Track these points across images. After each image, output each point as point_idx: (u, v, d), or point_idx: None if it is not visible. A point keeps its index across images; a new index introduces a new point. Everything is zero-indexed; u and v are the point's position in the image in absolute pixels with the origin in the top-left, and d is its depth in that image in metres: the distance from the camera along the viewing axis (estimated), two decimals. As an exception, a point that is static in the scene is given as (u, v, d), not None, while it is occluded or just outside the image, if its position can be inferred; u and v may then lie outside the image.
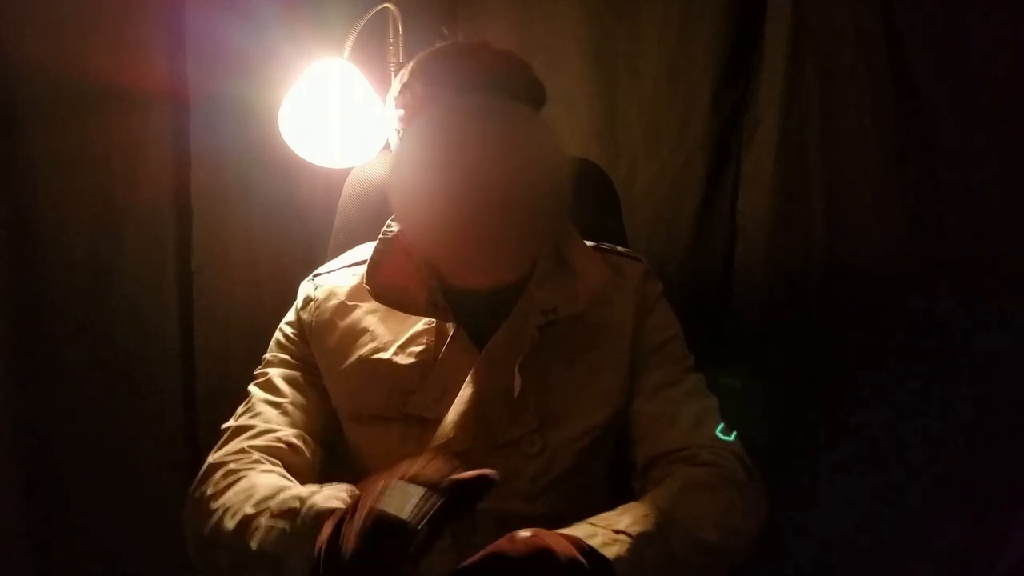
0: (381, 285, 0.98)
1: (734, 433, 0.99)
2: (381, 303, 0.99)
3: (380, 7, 1.34)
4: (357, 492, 0.79)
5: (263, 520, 0.80)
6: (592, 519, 0.82)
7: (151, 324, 1.42)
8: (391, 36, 1.38)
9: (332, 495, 0.80)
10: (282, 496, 0.82)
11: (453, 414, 0.94)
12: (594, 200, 1.22)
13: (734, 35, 1.46)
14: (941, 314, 1.26)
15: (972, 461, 1.21)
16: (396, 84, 1.00)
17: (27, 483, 1.38)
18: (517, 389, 0.93)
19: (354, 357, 0.98)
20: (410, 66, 0.99)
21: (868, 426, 1.30)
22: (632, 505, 0.85)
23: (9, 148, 1.33)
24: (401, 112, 0.98)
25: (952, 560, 1.18)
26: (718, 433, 0.98)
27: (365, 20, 1.32)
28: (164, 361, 1.43)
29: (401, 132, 0.99)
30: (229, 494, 0.86)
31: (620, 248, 1.09)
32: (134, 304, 1.41)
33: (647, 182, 1.52)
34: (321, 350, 1.01)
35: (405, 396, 0.96)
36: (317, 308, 1.02)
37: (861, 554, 1.29)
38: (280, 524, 0.80)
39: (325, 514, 0.77)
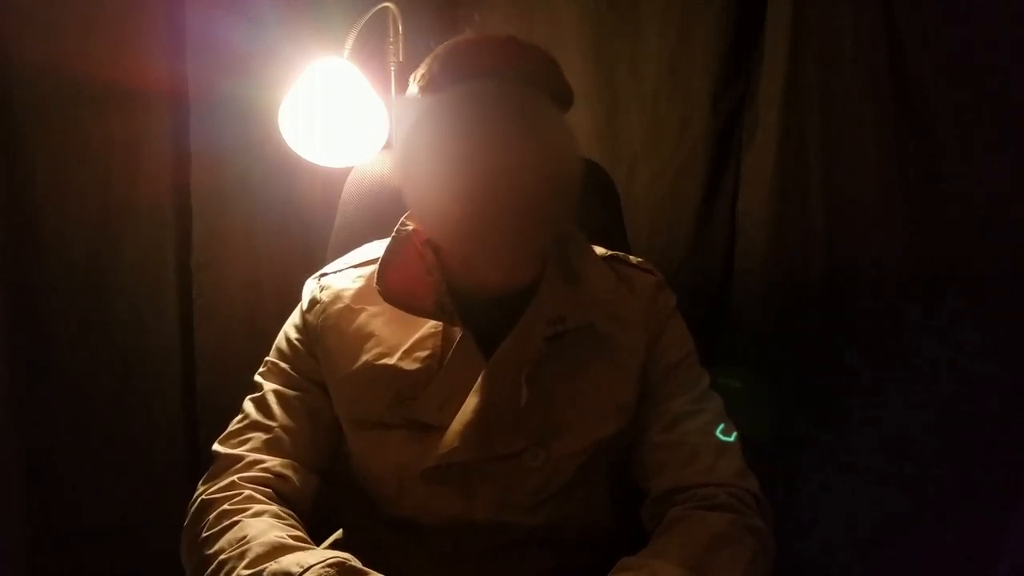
0: (390, 286, 0.97)
1: (734, 433, 0.99)
2: (389, 303, 0.97)
3: (380, 7, 1.34)
4: (350, 562, 0.82)
5: None
6: None
7: (151, 323, 1.42)
8: (391, 36, 1.38)
9: (323, 574, 0.80)
10: (273, 568, 0.82)
11: (458, 424, 0.92)
12: (594, 200, 1.21)
13: (734, 35, 1.46)
14: (941, 314, 1.26)
15: (973, 461, 1.21)
16: (421, 68, 0.97)
17: (27, 482, 1.38)
18: (523, 401, 0.92)
19: (359, 362, 0.96)
20: (435, 52, 0.96)
21: (868, 426, 1.30)
22: (661, 566, 0.84)
23: (9, 148, 1.33)
24: (418, 93, 0.95)
25: (953, 558, 1.18)
26: (718, 434, 0.97)
27: (365, 20, 1.32)
28: (164, 360, 1.43)
29: (416, 112, 0.95)
30: (222, 542, 0.86)
31: (633, 258, 1.07)
32: (134, 304, 1.42)
33: (647, 182, 1.52)
34: (325, 353, 0.99)
35: (407, 402, 0.94)
36: (323, 311, 1.00)
37: (862, 553, 1.29)
38: None
39: None
